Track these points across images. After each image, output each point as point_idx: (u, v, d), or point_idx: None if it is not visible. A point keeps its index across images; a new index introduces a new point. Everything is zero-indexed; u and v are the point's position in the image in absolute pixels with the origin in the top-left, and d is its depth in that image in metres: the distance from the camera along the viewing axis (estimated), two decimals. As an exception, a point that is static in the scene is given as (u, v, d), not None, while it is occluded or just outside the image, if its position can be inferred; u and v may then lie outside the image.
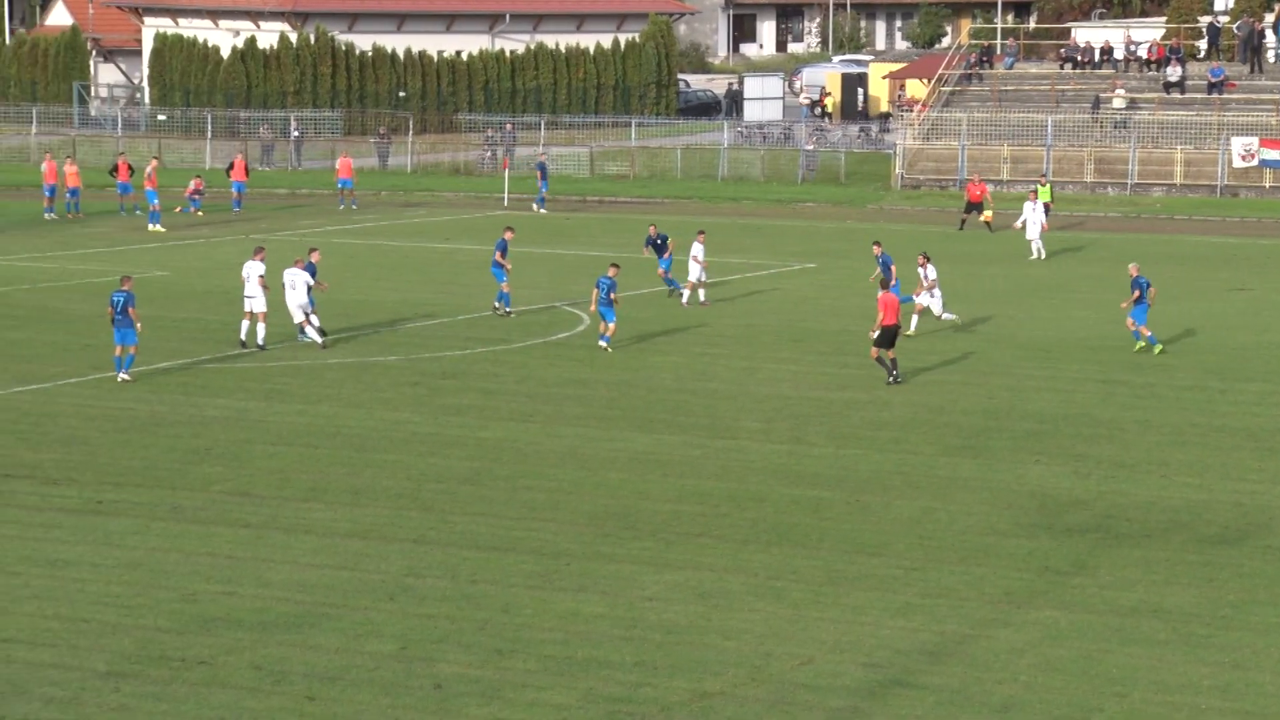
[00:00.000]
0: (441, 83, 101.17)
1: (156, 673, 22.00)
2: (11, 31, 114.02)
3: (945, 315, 45.87)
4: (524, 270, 52.18)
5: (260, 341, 41.93)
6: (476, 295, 50.43)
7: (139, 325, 38.32)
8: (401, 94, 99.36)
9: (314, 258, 43.00)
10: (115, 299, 38.07)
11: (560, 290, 52.28)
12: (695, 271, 49.95)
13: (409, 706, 21.15)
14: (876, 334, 39.20)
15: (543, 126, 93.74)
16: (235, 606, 24.43)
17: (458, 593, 25.20)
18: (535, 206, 74.18)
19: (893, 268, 45.81)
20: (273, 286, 42.33)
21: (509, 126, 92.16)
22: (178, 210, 70.34)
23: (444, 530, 28.26)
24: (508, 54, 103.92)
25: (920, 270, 45.67)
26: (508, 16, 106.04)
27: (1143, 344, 42.86)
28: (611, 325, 42.36)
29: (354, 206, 74.68)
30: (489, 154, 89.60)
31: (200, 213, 70.30)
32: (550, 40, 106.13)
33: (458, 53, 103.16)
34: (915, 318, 45.57)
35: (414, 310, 48.50)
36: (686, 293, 49.66)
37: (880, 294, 39.85)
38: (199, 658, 22.51)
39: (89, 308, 47.47)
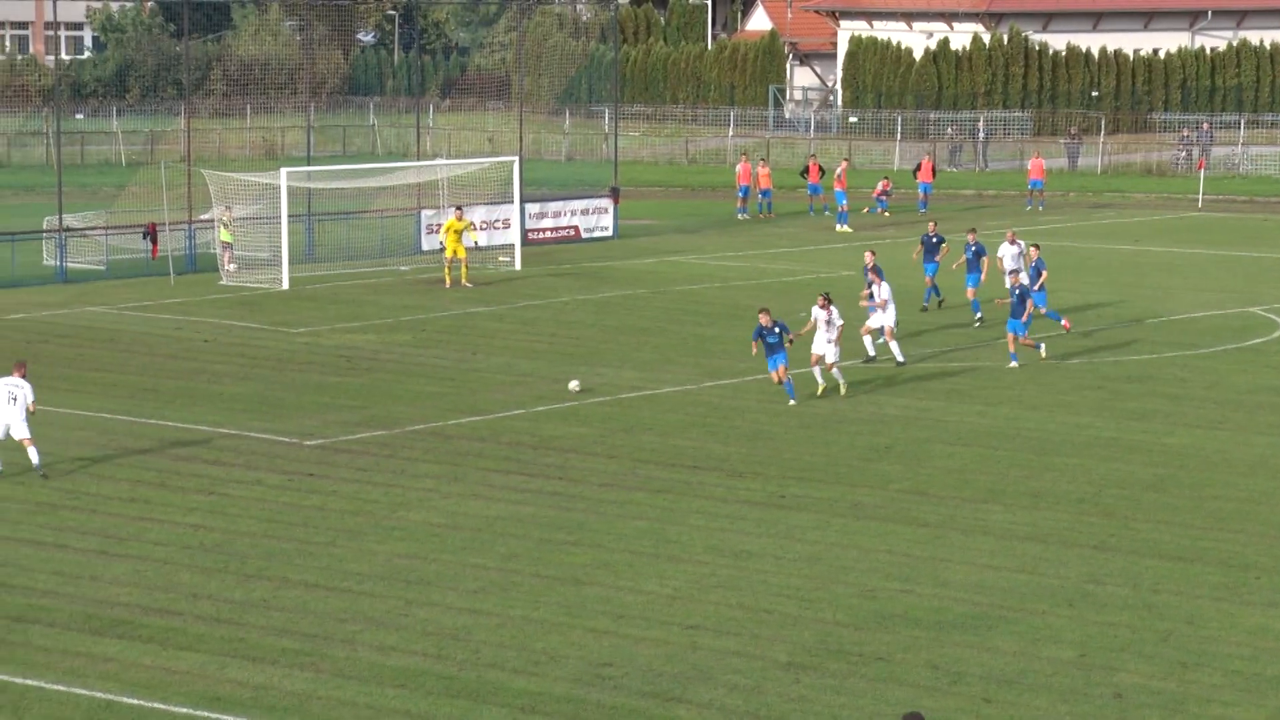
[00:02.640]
0: (1136, 81, 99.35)
1: (835, 666, 22.34)
2: (713, 37, 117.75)
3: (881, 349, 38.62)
4: (1214, 274, 50.74)
5: None
6: (1164, 298, 49.32)
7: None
8: (1094, 94, 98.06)
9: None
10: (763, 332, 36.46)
11: (1255, 294, 50.61)
12: None
13: (1088, 715, 20.83)
14: None
15: (1242, 125, 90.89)
16: (913, 604, 24.58)
17: (1139, 601, 24.68)
18: None
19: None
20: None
21: (1205, 126, 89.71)
22: (865, 211, 71.29)
23: (1125, 537, 27.72)
24: (1208, 51, 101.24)
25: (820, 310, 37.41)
26: (1209, 13, 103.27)
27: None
28: None
29: (1040, 208, 74.10)
30: (1183, 154, 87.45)
31: (887, 213, 71.08)
32: (1254, 36, 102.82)
33: (1154, 50, 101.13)
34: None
35: (1097, 313, 47.75)
36: None
37: None
38: (876, 653, 22.74)
39: (778, 305, 48.62)
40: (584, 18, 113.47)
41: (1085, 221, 70.34)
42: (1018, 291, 40.35)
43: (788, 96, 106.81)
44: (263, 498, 29.80)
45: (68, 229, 54.63)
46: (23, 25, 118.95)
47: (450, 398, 37.37)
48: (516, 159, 60.18)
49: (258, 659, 22.44)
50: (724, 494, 30.23)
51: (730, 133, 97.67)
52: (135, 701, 21.11)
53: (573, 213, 64.01)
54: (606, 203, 64.78)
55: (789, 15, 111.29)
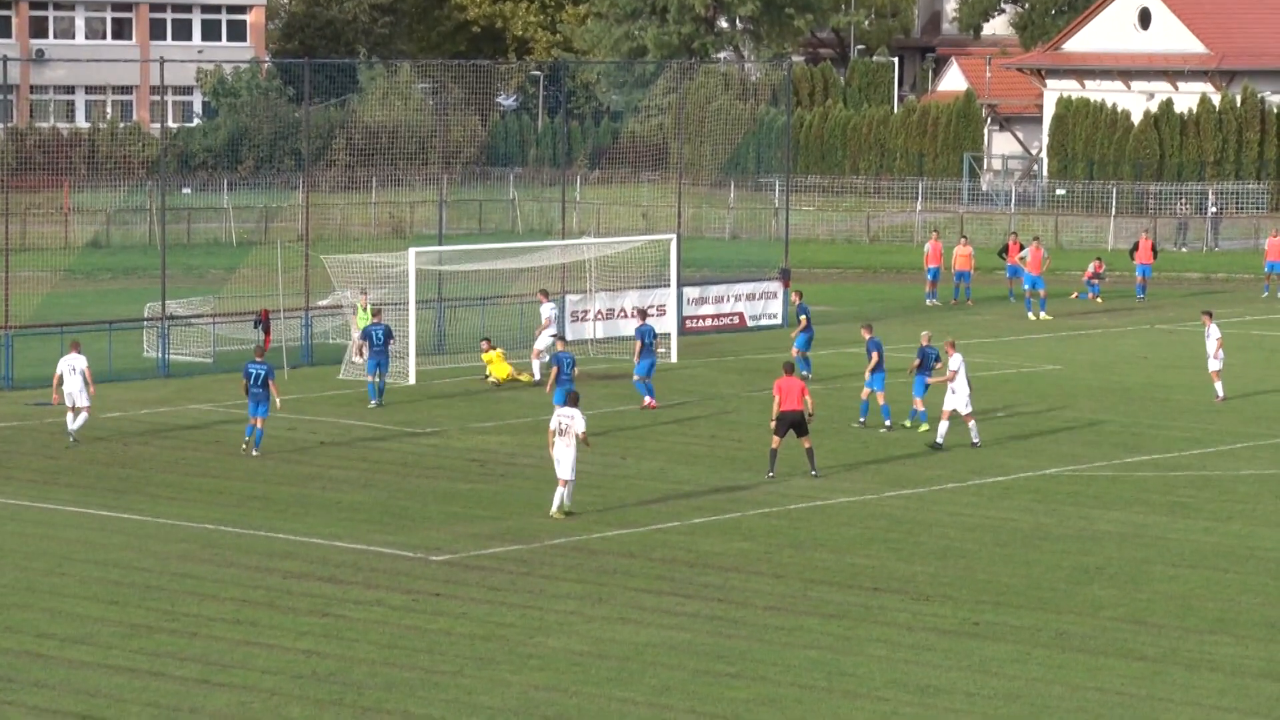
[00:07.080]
0: None
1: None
2: (900, 99, 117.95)
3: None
4: None
5: None
6: None
7: (278, 401, 42.83)
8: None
9: None
10: (252, 370, 42.48)
11: None
12: None
13: None
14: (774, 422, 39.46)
15: None
16: (1126, 750, 24.29)
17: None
18: None
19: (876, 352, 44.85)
20: None
21: None
22: (1074, 296, 70.86)
23: (1377, 675, 27.25)
24: None
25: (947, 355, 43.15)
26: None
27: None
28: None
29: (1280, 294, 73.29)
30: None
31: (1099, 299, 70.59)
32: None
33: None
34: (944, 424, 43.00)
35: (1348, 414, 47.15)
36: None
37: (781, 377, 39.78)
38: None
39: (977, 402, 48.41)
40: (753, 77, 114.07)
41: (1330, 309, 69.54)
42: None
43: (985, 166, 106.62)
44: (383, 620, 29.99)
45: (171, 317, 55.49)
46: (126, 90, 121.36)
47: (596, 507, 37.45)
48: (674, 237, 60.46)
49: (374, 804, 22.53)
50: (908, 620, 30.05)
51: (918, 207, 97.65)
52: None
53: (737, 298, 64.18)
54: (775, 287, 64.88)
55: (988, 75, 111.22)
